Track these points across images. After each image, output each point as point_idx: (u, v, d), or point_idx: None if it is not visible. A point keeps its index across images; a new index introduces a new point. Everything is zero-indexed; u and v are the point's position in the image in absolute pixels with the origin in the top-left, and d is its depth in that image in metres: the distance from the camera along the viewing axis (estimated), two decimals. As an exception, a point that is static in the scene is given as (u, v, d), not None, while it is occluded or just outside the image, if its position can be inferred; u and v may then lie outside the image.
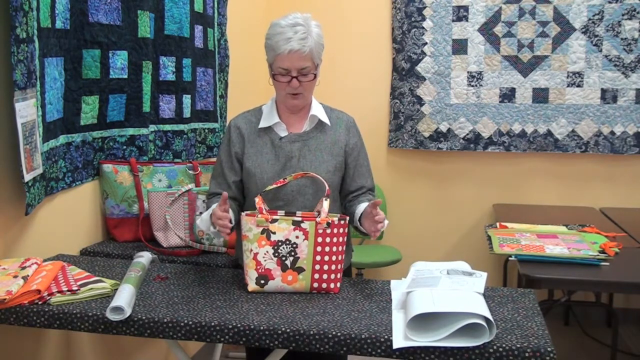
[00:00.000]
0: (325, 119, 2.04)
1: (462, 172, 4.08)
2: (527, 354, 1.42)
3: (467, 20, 3.91)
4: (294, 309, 1.67)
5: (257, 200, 1.87)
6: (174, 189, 2.43)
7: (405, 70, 4.00)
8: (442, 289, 1.62)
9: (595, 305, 3.86)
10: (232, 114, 2.28)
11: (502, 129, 3.93)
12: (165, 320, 1.59)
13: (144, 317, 1.60)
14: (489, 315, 1.46)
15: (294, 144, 2.01)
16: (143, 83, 2.50)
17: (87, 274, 1.82)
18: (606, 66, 3.80)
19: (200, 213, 2.36)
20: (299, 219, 1.83)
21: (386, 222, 1.83)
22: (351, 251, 2.19)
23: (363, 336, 1.51)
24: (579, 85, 3.84)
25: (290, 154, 1.99)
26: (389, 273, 3.99)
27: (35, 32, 1.88)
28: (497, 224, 3.02)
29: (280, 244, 1.80)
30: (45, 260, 1.88)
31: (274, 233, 1.80)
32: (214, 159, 2.52)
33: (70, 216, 2.26)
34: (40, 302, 1.65)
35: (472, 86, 3.93)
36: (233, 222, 1.89)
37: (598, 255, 2.47)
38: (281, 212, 1.91)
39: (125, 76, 2.42)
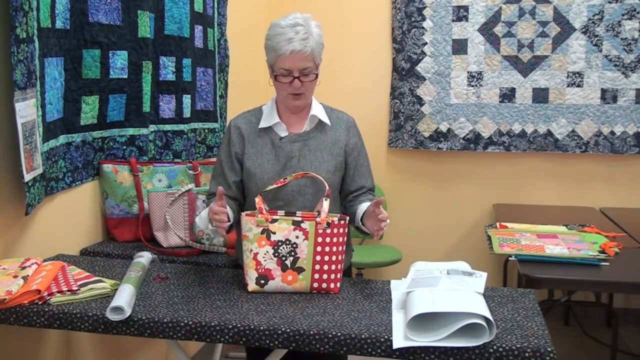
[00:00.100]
0: (325, 119, 2.05)
1: (462, 172, 4.08)
2: (527, 354, 1.42)
3: (467, 20, 3.91)
4: (294, 309, 1.67)
5: (257, 200, 1.87)
6: (174, 189, 2.43)
7: (405, 70, 4.00)
8: (442, 289, 1.62)
9: (595, 305, 3.86)
10: (232, 114, 2.28)
11: (502, 129, 3.93)
12: (165, 320, 1.59)
13: (144, 317, 1.60)
14: (489, 315, 1.46)
15: (294, 144, 2.01)
16: (143, 83, 2.50)
17: (87, 274, 1.82)
18: (606, 66, 3.80)
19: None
20: (299, 219, 1.83)
21: (388, 221, 1.83)
22: (351, 251, 2.19)
23: (363, 336, 1.51)
24: (579, 85, 3.84)
25: (290, 154, 1.99)
26: (389, 273, 3.99)
27: (35, 32, 1.88)
28: (497, 224, 3.02)
29: (280, 244, 1.80)
30: (45, 260, 1.88)
31: (274, 233, 1.80)
32: (214, 159, 2.52)
33: (70, 216, 2.26)
34: (40, 302, 1.65)
35: (472, 86, 3.93)
36: (231, 219, 1.89)
37: (598, 255, 2.47)
38: (281, 212, 1.91)
39: (125, 76, 2.42)
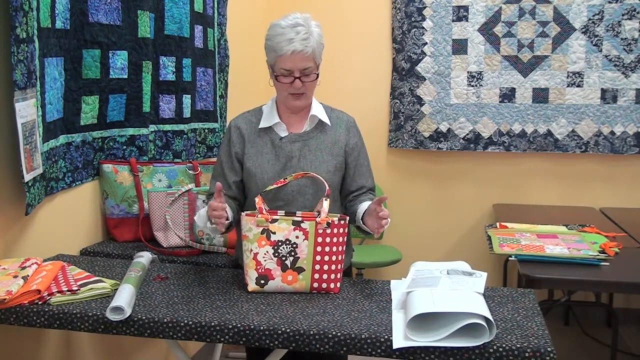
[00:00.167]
0: (325, 119, 2.04)
1: (462, 172, 4.08)
2: (527, 354, 1.42)
3: (467, 20, 3.91)
4: (294, 309, 1.67)
5: (257, 200, 1.87)
6: (174, 189, 2.43)
7: (405, 70, 4.00)
8: (442, 289, 1.62)
9: (595, 305, 3.86)
10: (232, 114, 2.28)
11: (502, 129, 3.93)
12: (165, 320, 1.59)
13: (144, 317, 1.60)
14: (489, 315, 1.46)
15: (294, 144, 2.01)
16: (143, 83, 2.50)
17: (87, 274, 1.82)
18: (606, 66, 3.80)
19: (200, 213, 2.36)
20: (299, 219, 1.83)
21: (389, 219, 1.83)
22: (351, 251, 2.19)
23: (363, 336, 1.51)
24: (579, 85, 3.84)
25: (290, 154, 1.99)
26: (389, 273, 3.99)
27: (35, 32, 1.88)
28: (497, 224, 3.02)
29: (280, 244, 1.80)
30: (45, 260, 1.88)
31: (274, 233, 1.80)
32: (214, 159, 2.52)
33: (70, 216, 2.26)
34: (40, 302, 1.65)
35: (472, 86, 3.93)
36: (230, 218, 1.89)
37: (598, 255, 2.47)
38: (281, 212, 1.90)
39: (125, 76, 2.42)
